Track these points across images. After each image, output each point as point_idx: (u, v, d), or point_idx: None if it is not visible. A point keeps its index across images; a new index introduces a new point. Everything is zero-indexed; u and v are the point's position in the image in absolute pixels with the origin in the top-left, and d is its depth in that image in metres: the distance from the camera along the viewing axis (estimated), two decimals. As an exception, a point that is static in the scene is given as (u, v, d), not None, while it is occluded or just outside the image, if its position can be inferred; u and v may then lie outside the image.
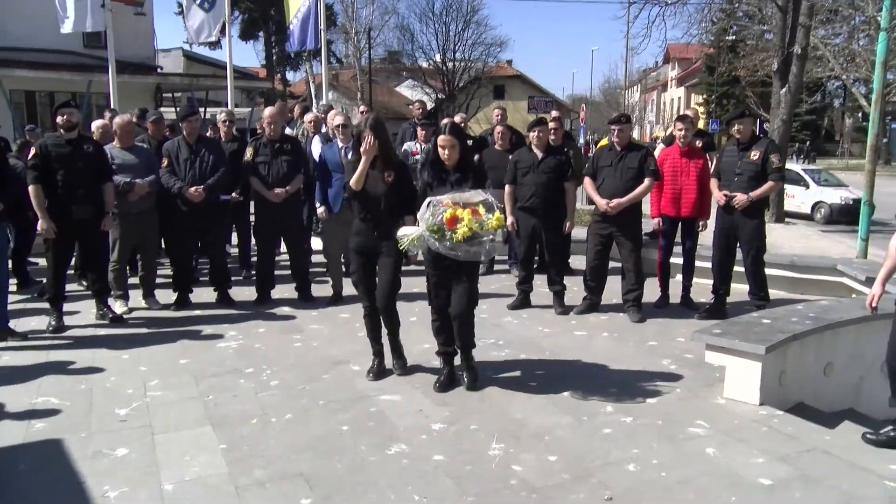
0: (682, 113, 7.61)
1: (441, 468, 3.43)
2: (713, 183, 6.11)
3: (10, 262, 6.33)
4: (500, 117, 8.13)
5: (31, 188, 5.44)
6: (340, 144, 6.47)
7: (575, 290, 6.56)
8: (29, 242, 7.26)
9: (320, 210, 6.57)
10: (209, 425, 3.92)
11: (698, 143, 6.83)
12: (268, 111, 6.63)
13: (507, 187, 6.34)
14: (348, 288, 6.78)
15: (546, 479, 3.31)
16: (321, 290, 6.84)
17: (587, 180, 6.19)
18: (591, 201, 6.31)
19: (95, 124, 6.87)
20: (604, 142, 7.99)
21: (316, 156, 7.11)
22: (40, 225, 5.57)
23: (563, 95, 58.03)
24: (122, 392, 4.44)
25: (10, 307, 5.66)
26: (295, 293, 6.74)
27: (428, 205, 4.01)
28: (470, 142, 8.55)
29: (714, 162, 6.59)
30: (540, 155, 6.16)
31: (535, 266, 6.70)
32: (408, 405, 4.22)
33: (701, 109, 36.09)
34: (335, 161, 6.42)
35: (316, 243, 7.79)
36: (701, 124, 22.43)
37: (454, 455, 3.56)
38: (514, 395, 4.38)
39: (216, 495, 3.18)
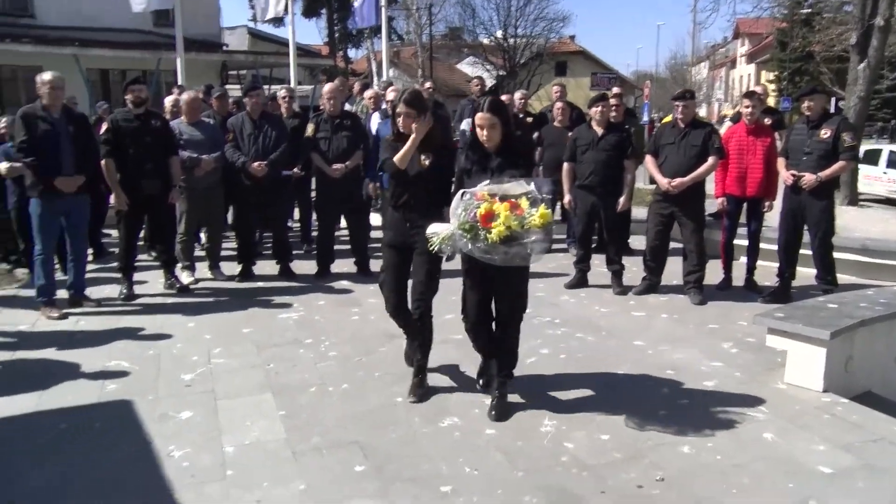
0: (749, 89, 7.36)
1: (492, 442, 3.46)
2: (780, 162, 5.91)
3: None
4: (559, 94, 8.04)
5: (103, 162, 5.67)
6: (398, 121, 6.52)
7: (634, 270, 6.48)
8: (102, 214, 7.57)
9: (371, 186, 6.67)
10: (269, 392, 4.05)
11: (767, 121, 6.60)
12: (328, 87, 6.72)
13: (565, 165, 6.29)
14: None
15: (598, 457, 3.31)
16: (379, 265, 6.92)
17: (648, 158, 6.06)
18: (652, 180, 6.18)
19: (168, 100, 7.09)
20: (667, 119, 7.82)
21: (374, 132, 7.18)
22: (113, 198, 5.82)
23: (627, 72, 56.54)
24: (187, 358, 4.62)
25: (86, 276, 5.94)
26: (354, 267, 6.85)
27: (461, 197, 3.38)
28: (529, 119, 8.50)
29: (783, 140, 6.37)
30: (600, 132, 6.06)
31: (594, 246, 6.64)
32: (461, 379, 4.27)
33: (772, 87, 34.70)
34: (392, 137, 6.48)
35: (375, 219, 7.89)
36: (771, 102, 21.59)
37: (505, 430, 3.59)
38: (568, 372, 4.37)
39: (274, 460, 3.29)
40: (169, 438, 3.49)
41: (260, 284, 6.47)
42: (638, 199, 7.88)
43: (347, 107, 7.97)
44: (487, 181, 3.41)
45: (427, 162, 3.84)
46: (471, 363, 4.48)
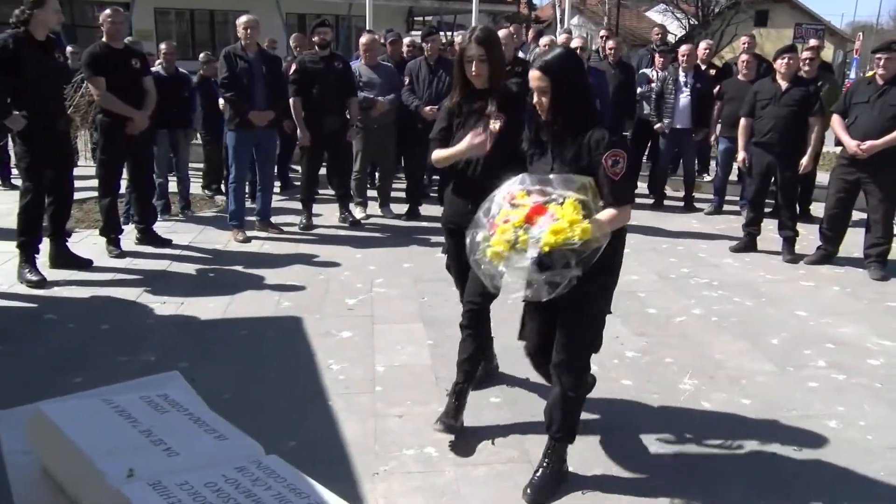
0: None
1: (627, 392, 3.51)
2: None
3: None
4: (747, 45, 7.55)
5: (291, 101, 6.19)
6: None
7: (811, 238, 6.07)
8: (290, 151, 8.24)
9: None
10: (420, 322, 4.35)
11: None
12: (500, 34, 6.76)
13: (742, 120, 5.96)
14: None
15: (733, 419, 3.26)
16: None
17: (835, 118, 5.55)
18: (839, 142, 5.70)
19: (362, 40, 7.49)
20: (870, 74, 7.10)
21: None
22: (298, 134, 6.36)
23: (841, 24, 50.94)
24: (352, 285, 5.04)
25: (272, 205, 6.58)
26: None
27: (489, 205, 2.42)
28: (713, 71, 8.06)
29: None
30: (784, 86, 5.66)
31: (769, 210, 6.28)
32: (605, 330, 4.29)
33: None
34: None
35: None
36: None
37: (642, 383, 3.62)
38: (717, 335, 4.27)
39: (418, 382, 3.57)
40: (329, 353, 3.88)
41: (424, 224, 6.81)
42: (822, 162, 7.29)
43: (521, 55, 7.98)
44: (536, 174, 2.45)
45: (498, 126, 2.87)
46: (616, 318, 4.51)
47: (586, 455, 2.92)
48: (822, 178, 7.16)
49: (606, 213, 2.40)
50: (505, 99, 2.93)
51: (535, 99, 2.53)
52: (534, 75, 2.50)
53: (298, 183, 7.29)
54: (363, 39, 6.88)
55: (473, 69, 2.87)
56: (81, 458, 1.74)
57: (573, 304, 2.50)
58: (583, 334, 2.66)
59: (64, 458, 1.84)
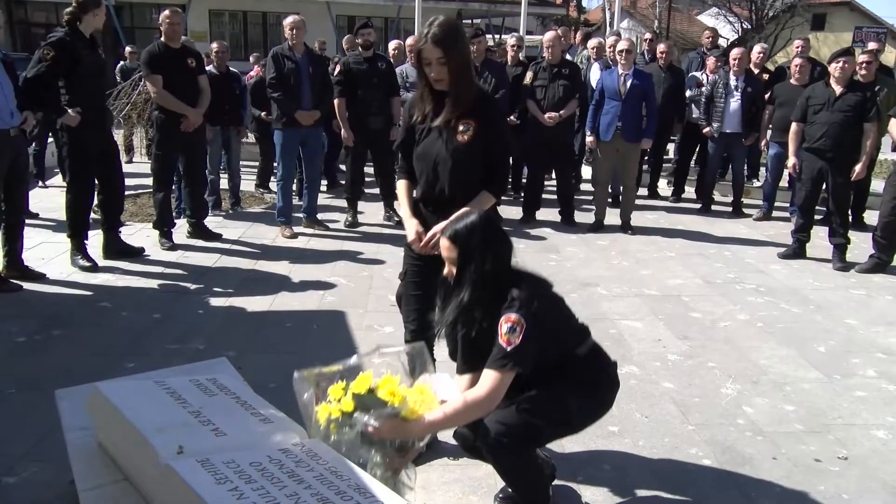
0: None
1: (668, 395, 3.49)
2: None
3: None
4: (801, 48, 7.41)
5: (336, 101, 6.30)
6: (621, 71, 6.46)
7: (863, 247, 5.93)
8: (337, 149, 8.37)
9: (589, 139, 6.67)
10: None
11: None
12: (547, 36, 6.81)
13: (793, 125, 5.85)
14: (610, 217, 6.90)
15: (777, 425, 3.21)
16: (583, 216, 7.02)
17: (893, 122, 5.43)
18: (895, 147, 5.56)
19: (391, 45, 7.61)
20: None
21: (593, 82, 7.16)
22: (342, 134, 6.47)
23: (903, 27, 49.22)
24: (395, 281, 5.04)
25: (319, 202, 6.69)
26: (558, 216, 6.98)
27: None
28: (766, 75, 7.92)
29: None
30: (838, 90, 5.54)
31: (820, 218, 6.16)
32: (647, 333, 4.29)
33: None
34: (613, 88, 6.45)
35: (586, 171, 7.92)
36: None
37: (684, 386, 3.59)
38: (762, 341, 4.21)
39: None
40: (372, 346, 3.94)
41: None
42: (877, 169, 7.10)
43: (568, 57, 7.98)
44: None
45: (466, 138, 2.59)
46: (659, 321, 4.48)
47: (625, 456, 2.92)
48: (877, 185, 6.99)
49: (437, 415, 2.14)
50: (473, 102, 2.60)
51: (446, 269, 2.33)
52: (443, 244, 2.29)
53: (344, 182, 7.41)
54: (409, 41, 6.97)
55: (433, 73, 2.54)
56: (135, 434, 1.83)
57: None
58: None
59: (118, 434, 1.93)
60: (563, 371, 2.32)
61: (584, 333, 2.47)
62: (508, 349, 2.14)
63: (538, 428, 2.29)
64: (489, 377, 2.17)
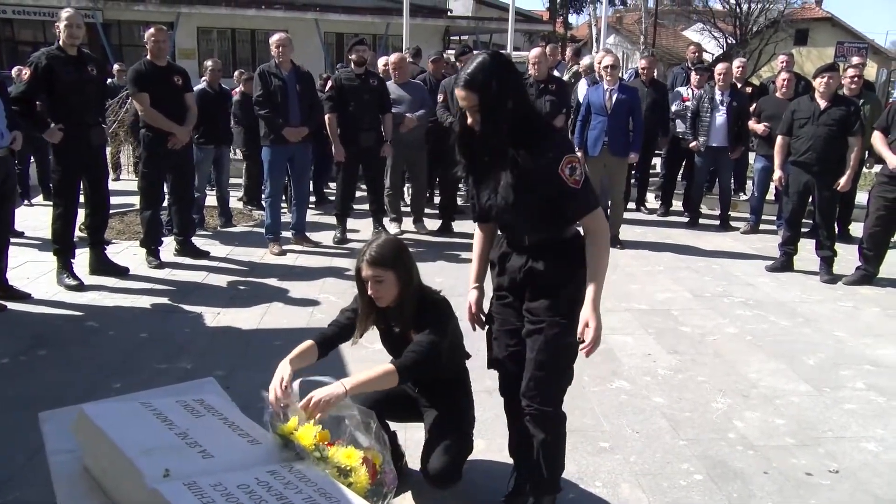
0: None
1: (659, 409, 3.48)
2: None
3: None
4: (786, 63, 7.50)
5: (326, 117, 6.30)
6: (606, 87, 6.50)
7: (849, 259, 5.98)
8: (328, 166, 8.36)
9: (577, 154, 6.70)
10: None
11: None
12: (533, 52, 6.86)
13: (779, 138, 5.90)
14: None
15: (767, 439, 3.21)
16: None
17: (877, 134, 5.48)
18: (879, 159, 5.60)
19: (380, 61, 7.63)
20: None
21: (580, 97, 7.20)
22: (333, 150, 6.46)
23: (885, 42, 50.06)
24: (384, 299, 5.08)
25: (308, 219, 6.67)
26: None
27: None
28: (749, 89, 8.00)
29: None
30: (823, 104, 5.59)
31: (806, 230, 6.19)
32: (637, 347, 4.29)
33: None
34: (599, 103, 6.48)
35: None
36: None
37: (675, 401, 3.59)
38: (752, 355, 4.22)
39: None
40: (362, 364, 3.91)
41: (456, 240, 6.84)
42: (866, 182, 7.16)
43: (556, 73, 8.03)
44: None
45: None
46: (649, 336, 4.48)
47: (616, 472, 2.91)
48: (862, 197, 7.05)
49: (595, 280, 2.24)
50: (421, 312, 2.47)
51: (469, 119, 2.24)
52: (459, 94, 2.21)
53: (333, 198, 7.39)
54: (392, 58, 7.00)
55: (370, 291, 2.43)
56: (120, 457, 1.80)
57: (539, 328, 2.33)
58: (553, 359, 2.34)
59: (104, 457, 1.90)
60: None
61: None
62: (580, 189, 2.21)
63: (563, 371, 2.38)
64: (595, 217, 2.26)
